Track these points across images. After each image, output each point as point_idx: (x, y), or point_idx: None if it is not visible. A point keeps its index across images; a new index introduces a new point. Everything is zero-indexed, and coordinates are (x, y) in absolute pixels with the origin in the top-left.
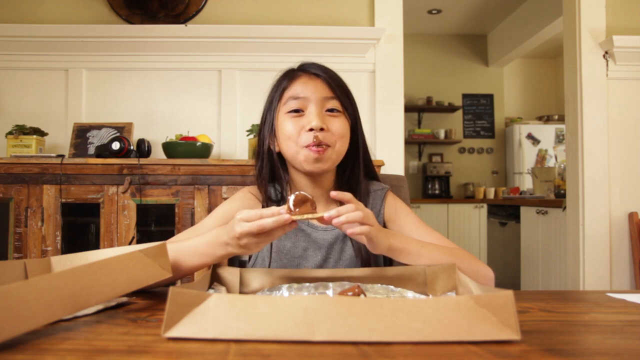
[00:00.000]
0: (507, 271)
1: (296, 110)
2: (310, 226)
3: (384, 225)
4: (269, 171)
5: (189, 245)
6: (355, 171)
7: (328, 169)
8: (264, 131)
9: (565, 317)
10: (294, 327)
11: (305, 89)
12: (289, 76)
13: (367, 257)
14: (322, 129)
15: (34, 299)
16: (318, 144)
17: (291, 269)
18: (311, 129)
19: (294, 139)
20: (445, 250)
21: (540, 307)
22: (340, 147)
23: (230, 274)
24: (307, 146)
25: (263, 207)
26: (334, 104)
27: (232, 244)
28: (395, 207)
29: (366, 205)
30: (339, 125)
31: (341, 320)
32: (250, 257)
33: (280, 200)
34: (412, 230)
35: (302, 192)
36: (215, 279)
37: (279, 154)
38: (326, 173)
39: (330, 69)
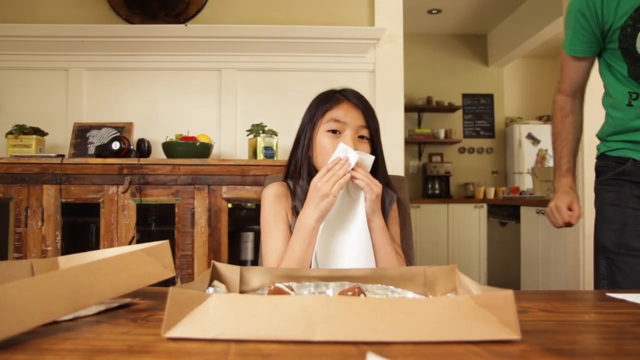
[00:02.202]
0: (507, 271)
1: (334, 131)
2: None
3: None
4: (299, 170)
5: (294, 250)
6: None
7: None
8: (304, 138)
9: (565, 317)
10: (294, 327)
11: (346, 116)
12: (332, 99)
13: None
14: None
15: (30, 298)
16: None
17: (291, 268)
18: None
19: (328, 154)
20: (387, 257)
21: (540, 307)
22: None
23: (230, 272)
24: None
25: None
26: (364, 132)
27: (325, 206)
28: (392, 219)
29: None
30: (365, 150)
31: (341, 320)
32: None
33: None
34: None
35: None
36: (215, 277)
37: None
38: None
39: (366, 99)
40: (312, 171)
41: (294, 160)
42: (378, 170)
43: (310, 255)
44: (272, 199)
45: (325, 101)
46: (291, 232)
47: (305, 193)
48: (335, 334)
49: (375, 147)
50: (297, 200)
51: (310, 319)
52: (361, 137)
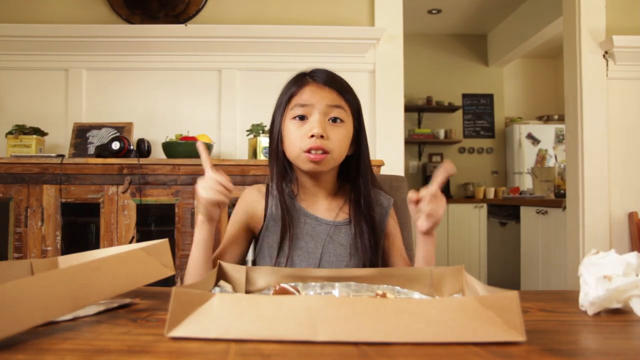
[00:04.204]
0: (507, 271)
1: (301, 117)
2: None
3: (381, 234)
4: (281, 169)
5: (192, 251)
6: (358, 174)
7: (324, 171)
8: (274, 132)
9: (565, 317)
10: (296, 327)
11: (312, 98)
12: (298, 82)
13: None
14: (322, 136)
15: (30, 298)
16: (317, 148)
17: (297, 269)
18: (312, 135)
19: (296, 143)
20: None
21: (540, 307)
22: (338, 154)
23: (236, 271)
24: (307, 150)
25: (281, 202)
26: (338, 112)
27: (200, 211)
28: (395, 226)
29: (374, 214)
30: (339, 134)
31: (344, 321)
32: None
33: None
34: (396, 251)
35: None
36: (221, 277)
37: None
38: (327, 174)
39: (339, 77)
40: (287, 165)
41: (272, 157)
42: (363, 163)
43: (202, 261)
44: (239, 204)
45: (290, 86)
46: (255, 239)
47: (280, 193)
48: (338, 334)
49: (359, 135)
50: (273, 202)
51: (313, 319)
52: (333, 119)
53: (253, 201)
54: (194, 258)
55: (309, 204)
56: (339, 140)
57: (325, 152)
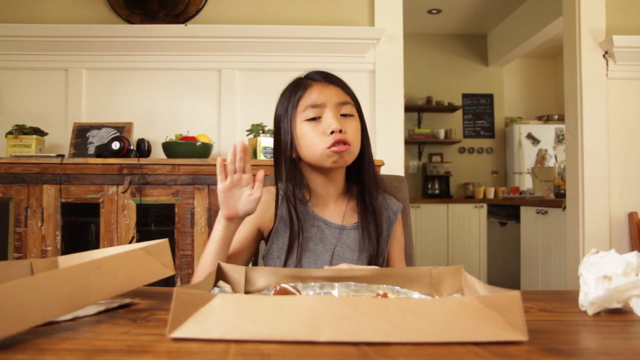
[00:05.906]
0: (507, 271)
1: (314, 118)
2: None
3: (387, 239)
4: (291, 175)
5: (208, 245)
6: (363, 171)
7: (346, 165)
8: (284, 138)
9: (565, 317)
10: (298, 327)
11: (322, 97)
12: (302, 85)
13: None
14: (340, 131)
15: (29, 297)
16: (340, 141)
17: (296, 269)
18: (332, 132)
19: (317, 143)
20: None
21: (540, 307)
22: (356, 146)
23: (235, 272)
24: (329, 147)
25: (290, 206)
26: (348, 108)
27: (221, 211)
28: (401, 232)
29: (381, 219)
30: (354, 127)
31: (346, 321)
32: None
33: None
34: (398, 255)
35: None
36: (220, 277)
37: (292, 158)
38: (339, 173)
39: (337, 77)
40: (304, 170)
41: (280, 163)
42: (366, 159)
43: (212, 257)
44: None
45: (295, 91)
46: (265, 241)
47: (291, 199)
48: (341, 334)
49: (363, 130)
50: (284, 204)
51: (315, 319)
52: (344, 114)
53: (263, 203)
54: (206, 253)
55: (319, 209)
56: (355, 133)
57: (347, 144)
